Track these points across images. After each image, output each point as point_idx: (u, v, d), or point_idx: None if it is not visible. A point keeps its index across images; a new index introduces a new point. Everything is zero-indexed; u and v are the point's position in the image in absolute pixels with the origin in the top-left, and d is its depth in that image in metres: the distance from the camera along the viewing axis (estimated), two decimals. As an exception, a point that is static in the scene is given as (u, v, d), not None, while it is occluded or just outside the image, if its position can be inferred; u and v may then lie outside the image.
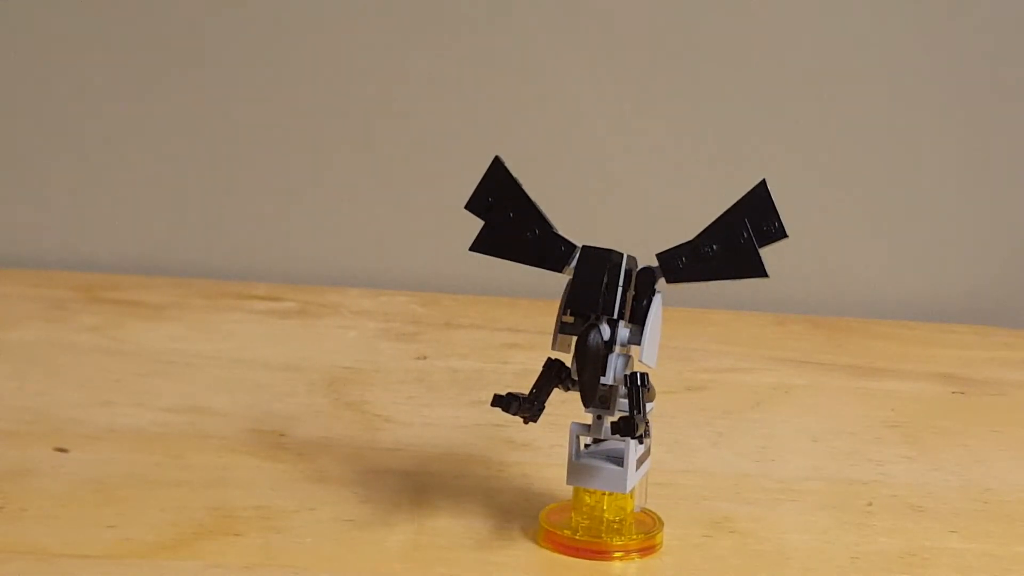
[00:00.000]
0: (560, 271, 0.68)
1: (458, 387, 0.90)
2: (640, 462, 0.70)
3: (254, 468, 0.77)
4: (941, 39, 1.09)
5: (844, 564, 0.70)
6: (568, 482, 0.70)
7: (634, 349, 0.68)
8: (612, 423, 0.68)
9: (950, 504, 0.77)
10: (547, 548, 0.69)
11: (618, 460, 0.69)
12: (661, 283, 0.68)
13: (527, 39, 1.09)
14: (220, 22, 1.10)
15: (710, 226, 0.67)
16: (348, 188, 1.12)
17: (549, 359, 0.68)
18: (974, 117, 1.10)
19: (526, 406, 0.67)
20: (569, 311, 0.67)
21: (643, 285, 0.68)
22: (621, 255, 0.67)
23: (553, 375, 0.68)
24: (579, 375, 0.66)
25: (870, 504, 0.76)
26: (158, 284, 1.07)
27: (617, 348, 0.67)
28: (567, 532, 0.69)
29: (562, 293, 0.68)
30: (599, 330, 0.66)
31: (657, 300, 0.68)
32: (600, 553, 0.69)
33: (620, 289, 0.67)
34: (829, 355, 1.00)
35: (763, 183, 0.67)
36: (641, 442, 0.68)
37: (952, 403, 0.92)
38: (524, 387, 0.68)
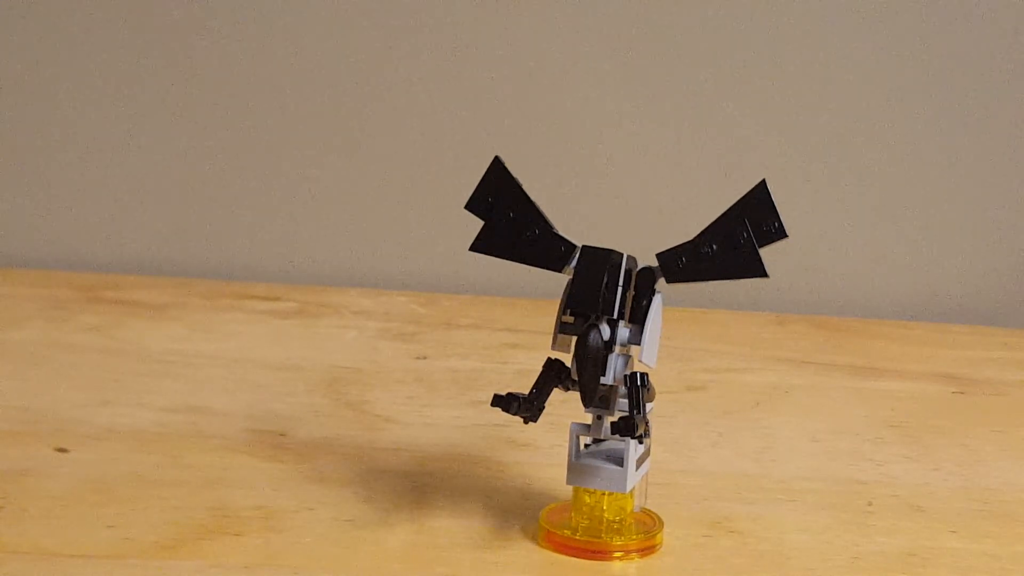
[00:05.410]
0: (560, 271, 0.68)
1: (458, 387, 0.90)
2: (640, 462, 0.70)
3: (254, 468, 0.77)
4: (941, 39, 1.09)
5: (844, 564, 0.70)
6: (568, 482, 0.69)
7: (634, 349, 0.68)
8: (612, 423, 0.68)
9: (950, 504, 0.77)
10: (547, 548, 0.69)
11: (618, 460, 0.69)
12: (661, 283, 0.68)
13: (528, 39, 1.09)
14: (220, 22, 1.10)
15: (710, 226, 0.67)
16: (348, 188, 1.12)
17: (549, 359, 0.68)
18: (974, 117, 1.10)
19: (526, 406, 0.67)
20: (569, 311, 0.67)
21: (643, 285, 0.68)
22: (621, 255, 0.67)
23: (553, 375, 0.68)
24: (579, 375, 0.66)
25: (870, 504, 0.76)
26: (158, 284, 1.07)
27: (617, 348, 0.67)
28: (567, 532, 0.69)
29: (562, 293, 0.68)
30: (599, 330, 0.66)
31: (657, 300, 0.68)
32: (600, 553, 0.69)
33: (620, 289, 0.67)
34: (829, 355, 1.00)
35: (763, 183, 0.67)
36: (641, 442, 0.68)
37: (952, 403, 0.92)
38: (524, 387, 0.68)
